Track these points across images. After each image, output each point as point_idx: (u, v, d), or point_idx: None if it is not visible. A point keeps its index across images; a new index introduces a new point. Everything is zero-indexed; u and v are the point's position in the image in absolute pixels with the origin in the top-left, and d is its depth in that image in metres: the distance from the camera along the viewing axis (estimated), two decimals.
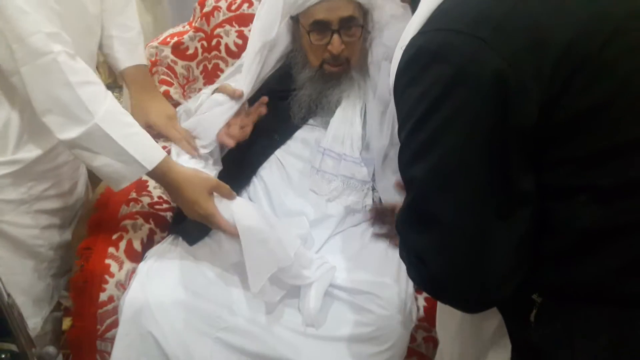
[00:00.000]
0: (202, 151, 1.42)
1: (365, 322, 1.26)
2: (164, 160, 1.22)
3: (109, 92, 1.22)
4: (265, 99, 1.48)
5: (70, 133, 1.16)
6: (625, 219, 0.76)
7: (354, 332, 1.25)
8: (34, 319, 1.38)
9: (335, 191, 1.45)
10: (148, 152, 1.21)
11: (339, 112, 1.48)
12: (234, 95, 1.43)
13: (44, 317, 1.43)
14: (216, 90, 1.47)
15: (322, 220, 1.44)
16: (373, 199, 1.47)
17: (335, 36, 1.38)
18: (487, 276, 0.77)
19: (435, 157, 0.77)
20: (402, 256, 0.90)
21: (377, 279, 1.31)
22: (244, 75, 1.46)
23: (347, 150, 1.46)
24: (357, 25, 1.40)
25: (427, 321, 1.35)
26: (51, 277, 1.44)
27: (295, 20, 1.45)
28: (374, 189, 1.48)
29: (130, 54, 1.49)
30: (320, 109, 1.50)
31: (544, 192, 0.77)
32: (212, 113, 1.43)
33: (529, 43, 0.73)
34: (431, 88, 0.76)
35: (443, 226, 0.78)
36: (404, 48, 0.82)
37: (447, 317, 1.05)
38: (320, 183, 1.45)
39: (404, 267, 1.36)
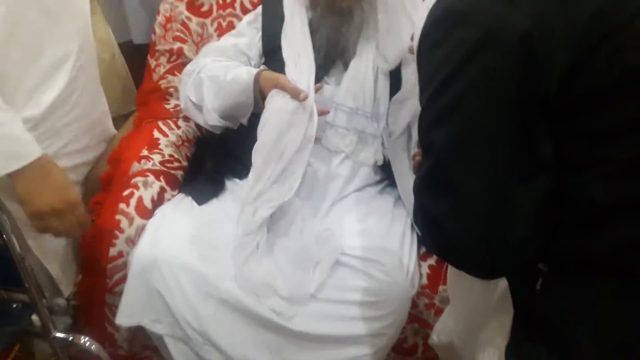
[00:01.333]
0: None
1: (367, 288, 1.27)
2: (38, 157, 1.16)
3: None
4: (319, 86, 1.38)
5: None
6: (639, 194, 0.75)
7: (355, 297, 1.27)
8: (65, 283, 1.38)
9: (350, 145, 1.45)
10: (19, 150, 1.15)
11: (352, 66, 1.46)
12: (297, 97, 1.30)
13: (75, 279, 1.42)
14: (262, 70, 1.39)
15: (332, 178, 1.44)
16: (383, 156, 1.47)
17: None
18: (506, 241, 0.77)
19: (457, 121, 0.76)
20: (416, 222, 0.90)
21: (381, 245, 1.32)
22: (300, 70, 1.37)
23: (359, 104, 1.45)
24: None
25: (430, 288, 1.36)
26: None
27: None
28: (382, 144, 1.47)
29: None
30: (340, 50, 1.46)
31: (559, 165, 0.77)
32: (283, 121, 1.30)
33: (557, 8, 0.72)
34: (455, 50, 0.75)
35: (463, 191, 0.77)
36: (429, 8, 0.80)
37: (459, 277, 1.06)
38: (333, 138, 1.45)
39: (408, 232, 1.39)
